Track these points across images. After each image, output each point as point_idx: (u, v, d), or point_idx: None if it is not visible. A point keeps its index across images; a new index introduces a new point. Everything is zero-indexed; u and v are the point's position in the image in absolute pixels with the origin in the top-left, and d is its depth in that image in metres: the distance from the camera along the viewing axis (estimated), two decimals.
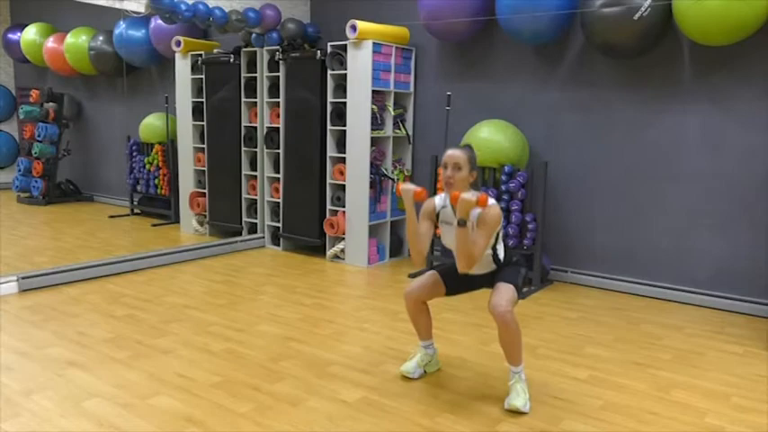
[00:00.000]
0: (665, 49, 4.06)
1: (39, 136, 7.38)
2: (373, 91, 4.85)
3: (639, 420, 2.51)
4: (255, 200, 5.82)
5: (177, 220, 6.49)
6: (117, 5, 4.66)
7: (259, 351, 3.16)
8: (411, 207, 2.59)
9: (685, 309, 4.07)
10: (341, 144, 5.12)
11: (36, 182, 7.50)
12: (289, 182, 5.44)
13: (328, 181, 5.20)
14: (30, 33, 7.30)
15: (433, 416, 2.50)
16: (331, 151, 5.17)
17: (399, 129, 5.24)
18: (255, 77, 5.61)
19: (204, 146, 6.03)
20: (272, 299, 4.10)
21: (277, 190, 5.63)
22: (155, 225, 6.54)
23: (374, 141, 4.99)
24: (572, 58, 4.49)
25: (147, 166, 6.82)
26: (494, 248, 2.67)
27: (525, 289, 4.33)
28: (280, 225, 5.59)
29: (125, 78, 6.89)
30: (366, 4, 5.41)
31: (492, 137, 4.38)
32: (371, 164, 4.96)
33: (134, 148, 6.97)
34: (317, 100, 5.16)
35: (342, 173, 5.10)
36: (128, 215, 7.03)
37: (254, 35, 5.41)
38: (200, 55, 5.90)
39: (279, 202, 5.59)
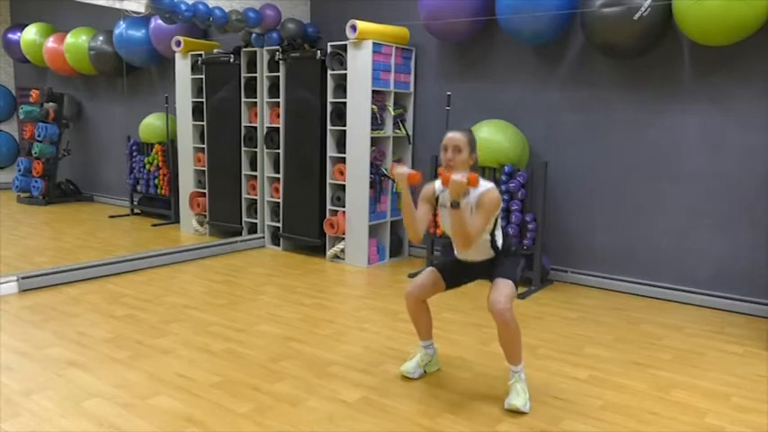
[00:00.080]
0: (665, 49, 4.06)
1: (39, 136, 7.38)
2: (373, 91, 4.85)
3: (639, 420, 2.51)
4: (255, 200, 5.82)
5: (177, 220, 6.49)
6: (117, 5, 4.66)
7: (259, 351, 3.16)
8: (407, 189, 2.58)
9: (685, 309, 4.07)
10: (341, 144, 5.12)
11: (36, 182, 7.50)
12: (289, 182, 5.44)
13: (328, 181, 5.20)
14: (30, 33, 7.30)
15: (433, 416, 2.50)
16: (331, 151, 5.17)
17: (399, 129, 5.24)
18: (255, 77, 5.61)
19: (204, 146, 6.03)
20: (272, 299, 4.10)
21: (277, 190, 5.63)
22: (155, 225, 6.54)
23: (374, 141, 4.99)
24: (572, 58, 4.49)
25: (147, 166, 6.82)
26: (492, 234, 2.66)
27: (526, 289, 4.33)
28: (280, 225, 5.59)
29: (125, 78, 6.89)
30: (366, 4, 5.41)
31: (492, 137, 4.38)
32: (371, 164, 4.96)
33: (134, 148, 6.97)
34: (316, 100, 5.16)
35: (342, 173, 5.10)
36: (128, 215, 7.03)
37: (254, 35, 5.41)
38: (200, 55, 5.90)
39: (279, 202, 5.59)
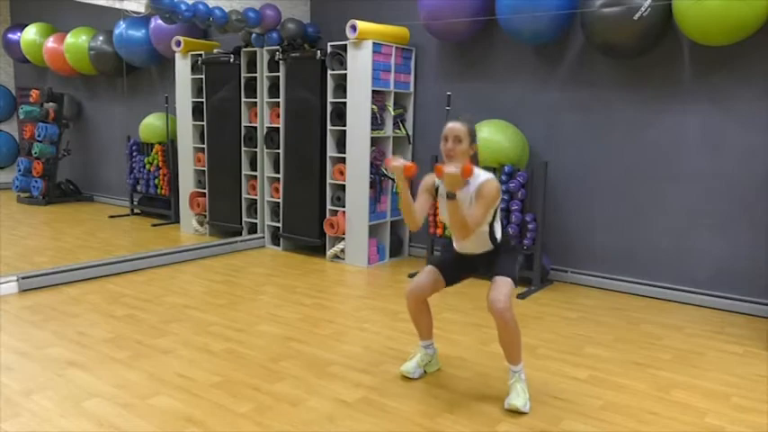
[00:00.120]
0: (665, 49, 4.06)
1: (39, 136, 7.38)
2: (373, 91, 4.85)
3: (639, 420, 2.51)
4: (255, 200, 5.82)
5: (177, 220, 6.49)
6: (117, 5, 4.66)
7: (259, 351, 3.16)
8: (402, 181, 2.58)
9: (685, 309, 4.07)
10: (341, 144, 5.12)
11: (36, 182, 7.50)
12: (289, 182, 5.44)
13: (328, 181, 5.20)
14: (30, 33, 7.30)
15: (433, 416, 2.50)
16: (331, 151, 5.17)
17: (399, 129, 5.24)
18: (255, 77, 5.61)
19: (204, 146, 6.03)
20: (272, 299, 4.10)
21: (277, 190, 5.63)
22: (155, 225, 6.54)
23: (374, 141, 4.99)
24: (572, 58, 4.49)
25: (147, 166, 6.82)
26: (491, 226, 2.66)
27: (526, 289, 4.33)
28: (280, 225, 5.59)
29: (125, 78, 6.89)
30: (366, 4, 5.41)
31: (492, 137, 4.38)
32: (371, 164, 4.96)
33: (134, 148, 6.97)
34: (317, 100, 5.16)
35: (342, 173, 5.10)
36: (128, 215, 7.03)
37: (254, 35, 5.41)
38: (200, 55, 5.90)
39: (279, 202, 5.59)
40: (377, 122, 4.96)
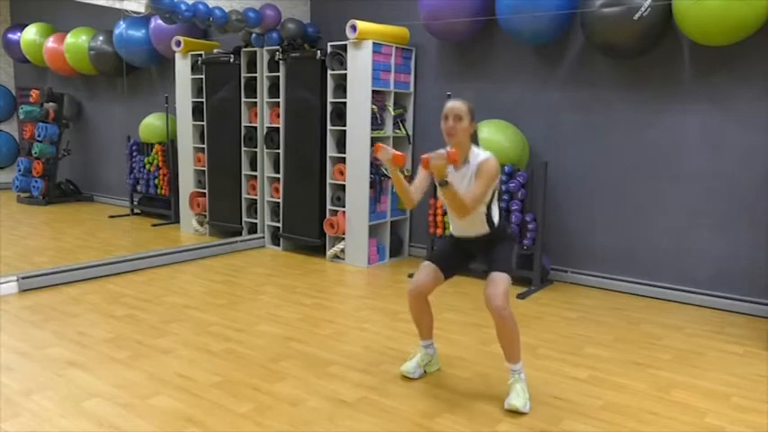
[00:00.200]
0: (665, 49, 4.06)
1: (39, 136, 7.38)
2: (373, 91, 4.85)
3: (639, 420, 2.51)
4: (255, 200, 5.82)
5: (177, 220, 6.49)
6: (117, 5, 4.66)
7: (259, 351, 3.16)
8: (392, 167, 2.59)
9: (685, 309, 4.07)
10: (341, 144, 5.12)
11: (36, 182, 7.50)
12: (289, 182, 5.44)
13: (328, 181, 5.20)
14: (30, 33, 7.30)
15: (433, 416, 2.50)
16: (331, 151, 5.17)
17: (399, 129, 5.24)
18: (255, 77, 5.61)
19: (204, 146, 6.03)
20: (272, 299, 4.10)
21: (277, 190, 5.63)
22: (155, 225, 6.54)
23: (374, 141, 4.99)
24: (572, 58, 4.49)
25: (147, 166, 6.82)
26: (488, 207, 2.66)
27: (526, 289, 4.33)
28: (280, 225, 5.59)
29: (125, 78, 6.89)
30: (366, 4, 5.41)
31: (492, 137, 4.38)
32: (371, 164, 4.96)
33: (134, 148, 6.97)
34: (317, 100, 5.16)
35: (342, 173, 5.10)
36: (128, 215, 7.03)
37: (254, 35, 5.41)
38: (200, 55, 5.90)
39: (279, 202, 5.59)
40: (377, 122, 4.96)
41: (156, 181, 6.78)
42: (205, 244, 5.40)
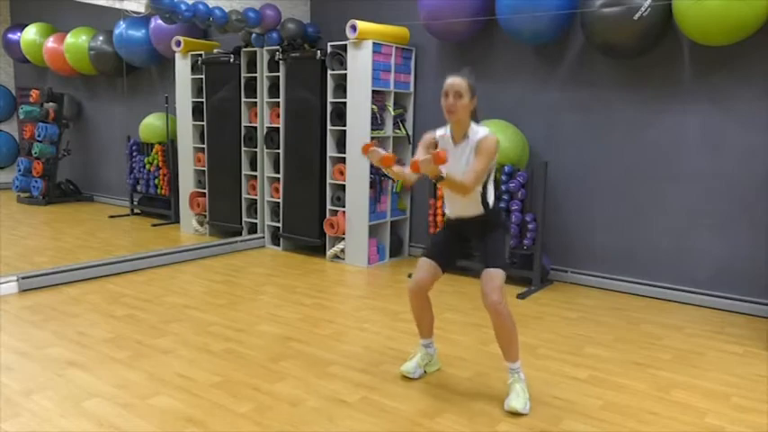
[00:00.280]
0: (665, 49, 4.06)
1: (39, 136, 7.38)
2: (373, 91, 4.85)
3: (639, 420, 2.51)
4: (255, 200, 5.82)
5: (177, 220, 6.49)
6: (117, 5, 4.66)
7: (259, 351, 3.16)
8: (384, 169, 2.60)
9: (685, 309, 4.07)
10: (341, 144, 5.12)
11: (36, 182, 7.50)
12: (289, 182, 5.44)
13: (328, 181, 5.20)
14: (30, 33, 7.30)
15: (433, 416, 2.50)
16: (331, 151, 5.17)
17: (399, 129, 5.24)
18: (255, 77, 5.61)
19: (204, 146, 6.03)
20: (272, 299, 4.10)
21: (277, 190, 5.63)
22: (155, 225, 6.54)
23: (374, 141, 4.99)
24: (572, 58, 4.49)
25: (147, 166, 6.82)
26: (483, 187, 2.65)
27: (526, 289, 4.33)
28: (280, 225, 5.59)
29: (125, 78, 6.89)
30: (366, 4, 5.41)
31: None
32: (371, 164, 4.95)
33: (134, 148, 6.97)
34: (317, 100, 5.16)
35: (342, 173, 5.10)
36: (128, 215, 7.03)
37: (254, 35, 5.41)
38: (200, 55, 5.90)
39: (279, 202, 5.59)
40: (377, 122, 4.96)
41: (156, 181, 6.78)
42: (205, 244, 5.40)
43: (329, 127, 5.13)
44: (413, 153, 5.31)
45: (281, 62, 5.35)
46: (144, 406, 2.53)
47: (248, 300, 4.06)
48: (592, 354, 3.23)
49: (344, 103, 4.99)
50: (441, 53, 5.13)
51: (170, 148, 6.59)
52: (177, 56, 6.07)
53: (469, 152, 2.61)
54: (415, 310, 2.85)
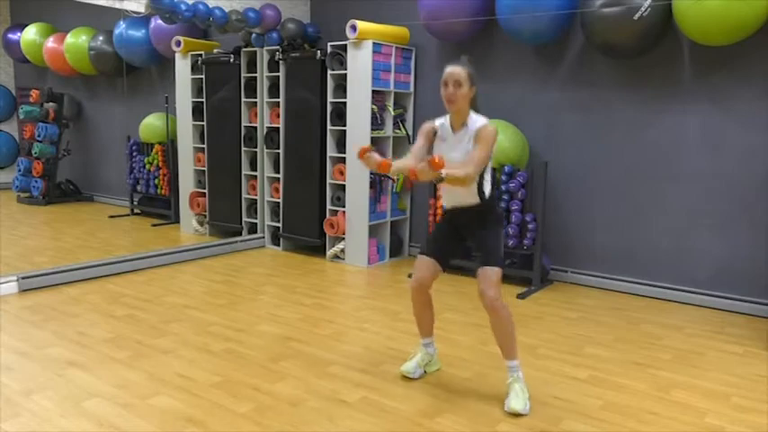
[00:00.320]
0: (665, 49, 4.06)
1: (39, 136, 7.38)
2: (373, 91, 4.85)
3: (639, 420, 2.51)
4: (255, 200, 5.82)
5: (177, 220, 6.49)
6: (117, 5, 4.66)
7: (259, 351, 3.16)
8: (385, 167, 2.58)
9: (685, 309, 4.07)
10: (341, 144, 5.12)
11: (36, 182, 7.50)
12: (289, 182, 5.44)
13: (328, 181, 5.20)
14: (30, 33, 7.30)
15: (433, 416, 2.50)
16: (331, 151, 5.17)
17: (399, 129, 5.24)
18: (255, 77, 5.61)
19: (204, 146, 6.03)
20: (272, 299, 4.10)
21: (277, 190, 5.63)
22: (155, 225, 6.54)
23: (374, 141, 4.99)
24: (572, 58, 4.49)
25: (147, 166, 6.82)
26: (481, 177, 2.64)
27: (526, 289, 4.33)
28: (280, 225, 5.59)
29: (125, 78, 6.89)
30: (366, 4, 5.41)
31: None
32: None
33: (134, 148, 6.97)
34: (317, 100, 5.16)
35: (342, 173, 5.10)
36: (128, 215, 7.03)
37: (254, 35, 5.41)
38: (200, 55, 5.90)
39: (279, 202, 5.59)
40: (377, 122, 4.96)
41: (156, 181, 6.78)
42: (205, 244, 5.40)
43: (329, 127, 5.13)
44: None
45: (281, 62, 5.35)
46: (144, 406, 2.53)
47: (248, 300, 4.06)
48: (592, 354, 3.23)
49: (344, 103, 4.99)
50: (441, 53, 5.13)
51: (170, 148, 6.59)
52: (177, 56, 6.07)
53: (468, 140, 2.61)
54: (416, 307, 2.85)
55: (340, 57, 4.99)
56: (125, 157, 7.08)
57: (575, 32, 4.38)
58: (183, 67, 6.07)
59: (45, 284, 4.20)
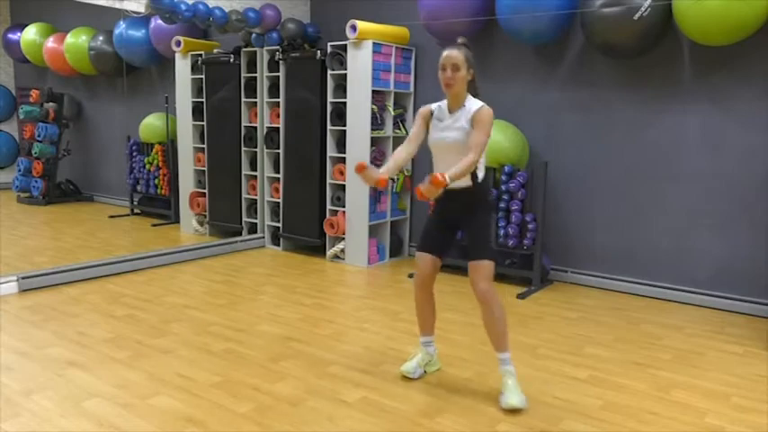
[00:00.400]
0: (665, 49, 4.06)
1: (39, 136, 7.38)
2: (373, 91, 4.85)
3: (639, 420, 2.51)
4: (255, 200, 5.82)
5: (177, 220, 6.49)
6: (117, 5, 4.66)
7: (259, 351, 3.16)
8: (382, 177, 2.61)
9: (685, 309, 4.07)
10: (341, 144, 5.12)
11: (36, 182, 7.50)
12: (289, 182, 5.44)
13: (328, 181, 5.20)
14: (30, 33, 7.30)
15: (433, 416, 2.50)
16: (331, 151, 5.17)
17: (399, 129, 5.24)
18: (255, 77, 5.61)
19: (204, 146, 6.03)
20: (272, 299, 4.10)
21: (277, 190, 5.63)
22: (155, 225, 6.54)
23: (374, 141, 4.99)
24: (572, 58, 4.49)
25: (147, 166, 6.82)
26: None
27: (526, 289, 4.33)
28: (280, 225, 5.59)
29: (125, 78, 6.90)
30: (366, 4, 5.41)
31: (492, 137, 4.35)
32: (371, 164, 4.95)
33: (134, 148, 6.98)
34: (317, 100, 5.16)
35: (342, 173, 5.10)
36: (128, 215, 7.03)
37: (254, 35, 5.41)
38: (200, 55, 5.90)
39: (279, 202, 5.59)
40: (377, 122, 4.96)
41: (156, 181, 6.78)
42: (205, 244, 5.40)
43: (329, 127, 5.13)
44: None
45: (281, 62, 5.35)
46: (144, 406, 2.53)
47: (248, 300, 4.06)
48: (592, 354, 3.23)
49: (344, 103, 4.99)
50: (441, 53, 5.11)
51: (170, 148, 6.59)
52: (177, 56, 6.07)
53: (464, 120, 2.63)
54: (418, 303, 2.86)
55: (340, 57, 4.99)
56: (125, 157, 7.08)
57: (575, 32, 4.38)
58: (183, 67, 6.07)
59: (45, 284, 4.20)
